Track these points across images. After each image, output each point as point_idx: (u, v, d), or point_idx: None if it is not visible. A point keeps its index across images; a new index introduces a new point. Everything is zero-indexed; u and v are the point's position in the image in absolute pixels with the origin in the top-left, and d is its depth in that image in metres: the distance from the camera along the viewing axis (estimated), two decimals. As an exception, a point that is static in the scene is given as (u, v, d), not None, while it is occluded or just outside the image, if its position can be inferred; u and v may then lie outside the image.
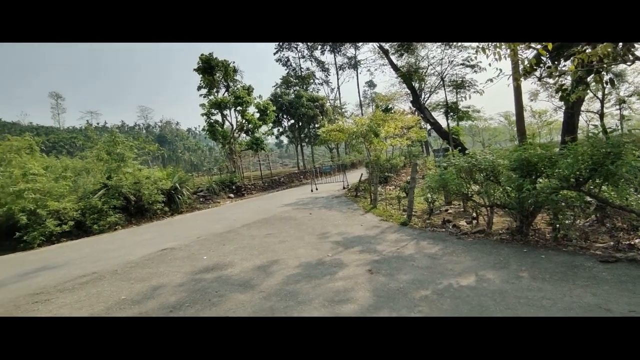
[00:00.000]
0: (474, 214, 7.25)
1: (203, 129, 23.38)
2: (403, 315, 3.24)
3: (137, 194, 12.17)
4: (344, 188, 15.92)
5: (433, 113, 18.74)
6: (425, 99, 25.68)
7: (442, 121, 18.59)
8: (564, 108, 10.60)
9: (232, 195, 19.09)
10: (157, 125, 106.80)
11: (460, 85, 16.93)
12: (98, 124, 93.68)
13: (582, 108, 14.50)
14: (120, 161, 12.59)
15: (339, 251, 5.69)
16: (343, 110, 38.73)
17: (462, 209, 8.64)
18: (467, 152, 7.27)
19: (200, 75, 20.42)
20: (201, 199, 17.04)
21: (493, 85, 5.20)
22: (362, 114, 20.68)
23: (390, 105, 22.76)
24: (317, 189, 17.18)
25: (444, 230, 6.64)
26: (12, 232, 9.24)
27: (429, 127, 23.02)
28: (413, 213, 8.74)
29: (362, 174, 13.57)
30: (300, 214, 9.92)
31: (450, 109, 16.32)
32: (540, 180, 5.19)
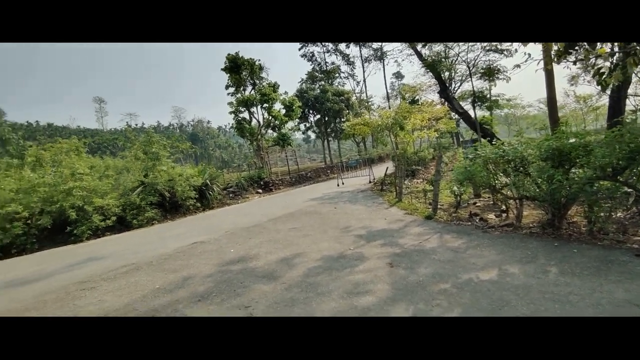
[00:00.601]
0: (503, 207, 6.98)
1: (231, 127, 24.08)
2: (419, 310, 3.24)
3: (171, 191, 12.86)
4: (370, 182, 15.82)
5: (461, 103, 18.01)
6: (456, 89, 24.76)
7: (472, 111, 17.85)
8: (609, 92, 9.77)
9: (260, 190, 19.59)
10: (190, 125, 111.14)
11: (489, 73, 16.12)
12: (136, 125, 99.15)
13: (630, 91, 13.32)
14: (155, 160, 13.36)
15: (360, 245, 5.73)
16: (369, 103, 38.23)
17: (492, 202, 8.34)
18: (494, 142, 6.95)
19: (228, 75, 21.02)
20: (231, 195, 17.66)
21: (529, 71, 4.96)
22: (390, 107, 20.27)
23: (417, 97, 22.19)
24: (343, 184, 17.20)
25: (469, 223, 6.46)
26: (64, 226, 10.15)
27: (459, 117, 22.20)
28: (439, 206, 8.55)
29: (387, 168, 13.41)
30: (325, 209, 10.03)
31: (478, 98, 15.59)
32: (574, 170, 4.90)
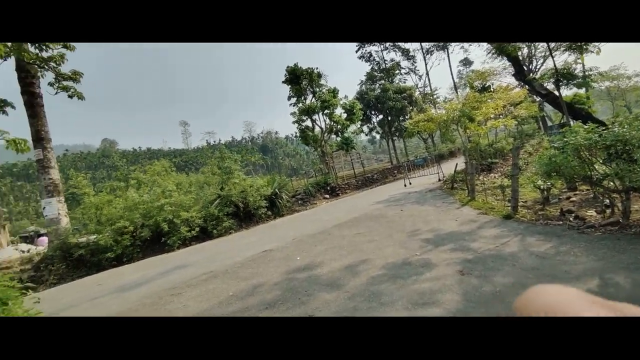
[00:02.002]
0: (607, 202, 5.87)
1: (295, 136, 25.04)
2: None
3: (244, 201, 13.86)
4: (439, 180, 14.86)
5: (544, 83, 15.73)
6: (537, 67, 21.80)
7: (559, 91, 15.46)
8: None
9: (327, 195, 19.89)
10: (260, 137, 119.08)
11: (576, 46, 13.70)
12: (214, 142, 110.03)
13: None
14: (228, 173, 14.58)
15: (427, 250, 5.38)
16: (434, 96, 36.07)
17: (592, 196, 7.09)
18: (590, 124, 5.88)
19: (289, 86, 21.96)
20: (299, 202, 18.29)
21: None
22: (458, 97, 18.77)
23: (488, 83, 20.16)
24: (410, 184, 16.48)
25: (561, 223, 5.58)
26: (159, 237, 11.69)
27: (542, 100, 19.51)
28: (522, 204, 7.61)
29: (456, 164, 12.41)
30: (391, 211, 9.70)
31: (562, 76, 13.37)
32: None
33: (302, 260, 6.24)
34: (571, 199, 7.30)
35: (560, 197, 7.67)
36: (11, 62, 10.99)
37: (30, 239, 26.15)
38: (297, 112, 22.13)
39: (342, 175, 24.35)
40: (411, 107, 29.40)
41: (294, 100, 22.50)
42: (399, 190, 14.97)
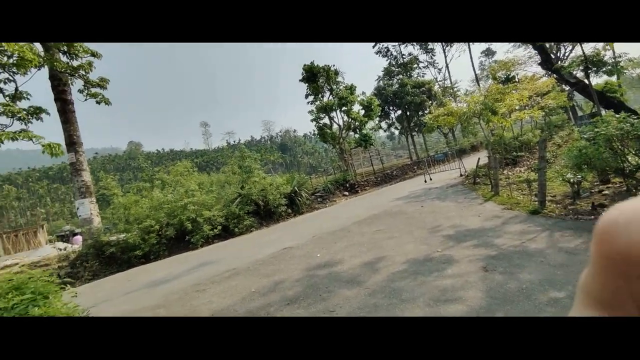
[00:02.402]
0: (642, 194, 5.55)
1: (314, 134, 25.08)
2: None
3: (264, 199, 14.07)
4: (460, 175, 14.50)
5: (573, 71, 14.96)
6: (566, 54, 20.74)
7: (590, 79, 14.65)
8: None
9: (346, 193, 19.86)
10: (278, 135, 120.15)
11: None
12: (234, 142, 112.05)
13: None
14: (248, 172, 14.83)
15: (449, 246, 5.29)
16: (455, 89, 35.13)
17: (625, 189, 6.73)
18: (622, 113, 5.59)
19: (306, 84, 22.02)
20: (319, 199, 18.36)
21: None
22: (480, 89, 18.12)
23: (512, 74, 19.40)
24: (431, 179, 16.19)
25: (592, 217, 5.33)
26: (184, 236, 12.08)
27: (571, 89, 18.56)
28: (550, 198, 7.32)
29: (479, 159, 12.05)
30: (411, 208, 9.58)
31: (592, 64, 12.61)
32: None
33: (322, 257, 6.29)
34: (603, 193, 6.95)
35: (592, 190, 7.32)
36: (45, 71, 11.65)
37: (66, 238, 27.71)
38: (314, 110, 22.16)
39: (361, 172, 24.21)
40: (430, 102, 28.78)
41: (311, 98, 22.55)
42: (419, 186, 14.74)
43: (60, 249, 11.78)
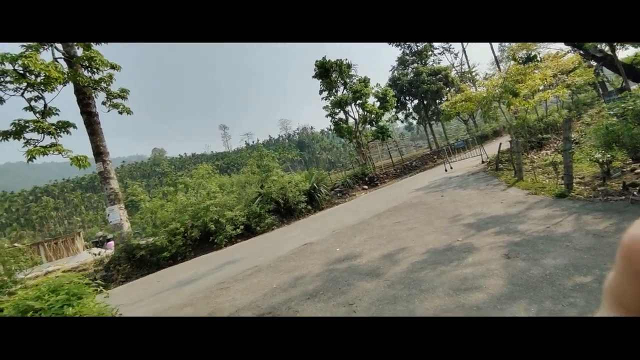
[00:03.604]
0: (680, 170, 5.19)
1: (330, 129, 25.01)
2: (545, 309, 2.72)
3: (284, 197, 14.23)
4: (482, 162, 14.06)
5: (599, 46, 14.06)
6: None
7: (618, 53, 13.74)
8: None
9: (365, 186, 19.73)
10: (296, 134, 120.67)
11: None
12: (252, 142, 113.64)
13: None
14: (267, 172, 15.03)
15: (470, 234, 5.17)
16: (473, 74, 33.90)
17: (661, 165, 6.31)
18: None
19: (319, 80, 21.97)
20: (338, 194, 18.35)
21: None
22: (500, 71, 17.35)
23: (533, 53, 18.49)
24: (451, 168, 15.80)
25: (623, 198, 5.04)
26: (208, 236, 12.45)
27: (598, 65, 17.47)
28: (578, 180, 6.99)
29: (500, 144, 11.62)
30: (431, 198, 9.41)
31: None
32: None
33: (342, 252, 6.31)
34: (636, 171, 6.55)
35: (624, 169, 6.90)
36: (70, 87, 12.28)
37: (100, 244, 29.22)
38: (329, 105, 22.09)
39: (380, 165, 23.96)
40: (448, 89, 27.96)
41: (325, 93, 22.49)
42: (439, 175, 14.43)
43: (95, 254, 12.44)
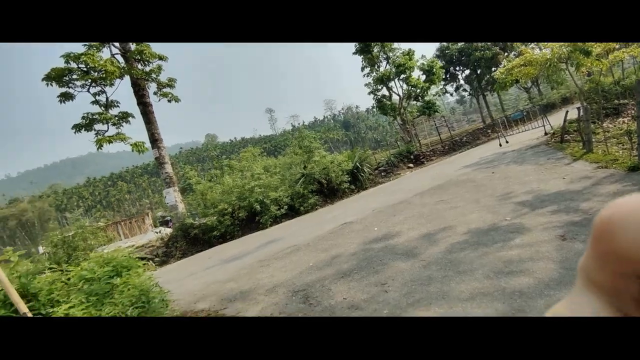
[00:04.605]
0: None
1: (373, 107, 24.23)
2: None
3: (327, 177, 14.24)
4: (545, 134, 12.61)
5: None
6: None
7: None
8: None
9: (411, 165, 18.98)
10: (341, 113, 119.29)
11: None
12: (298, 124, 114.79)
13: None
14: (309, 152, 15.10)
15: (521, 213, 4.69)
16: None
17: None
18: None
19: (361, 56, 21.16)
20: (382, 173, 17.92)
21: None
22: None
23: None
24: (507, 142, 14.47)
25: None
26: (254, 217, 13.02)
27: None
28: (662, 150, 5.93)
29: (567, 112, 10.23)
30: (480, 175, 8.72)
31: None
32: None
33: (380, 231, 6.17)
34: None
35: None
36: (127, 80, 13.33)
37: (166, 223, 32.36)
38: (371, 82, 21.29)
39: (427, 142, 22.76)
40: (505, 53, 25.25)
41: (367, 70, 21.65)
42: (492, 151, 13.30)
43: (157, 232, 13.75)
